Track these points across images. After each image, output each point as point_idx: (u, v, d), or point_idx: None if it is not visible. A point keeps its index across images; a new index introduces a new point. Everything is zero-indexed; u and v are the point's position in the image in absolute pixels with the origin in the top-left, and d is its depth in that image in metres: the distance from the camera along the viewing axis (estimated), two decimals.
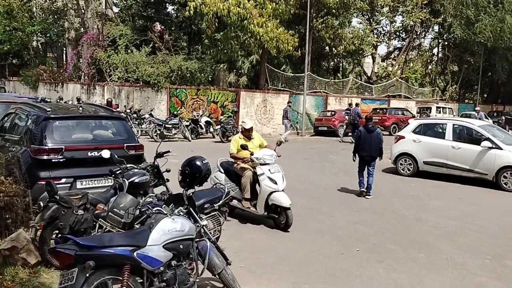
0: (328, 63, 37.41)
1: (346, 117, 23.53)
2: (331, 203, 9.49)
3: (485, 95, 43.94)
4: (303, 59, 27.13)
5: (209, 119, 22.46)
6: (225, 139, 20.42)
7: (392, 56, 42.85)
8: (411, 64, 43.08)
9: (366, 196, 10.04)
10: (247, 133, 7.96)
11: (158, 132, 19.50)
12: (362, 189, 10.21)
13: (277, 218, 7.36)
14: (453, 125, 12.51)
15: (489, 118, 26.32)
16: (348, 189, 10.86)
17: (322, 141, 22.92)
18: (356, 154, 10.35)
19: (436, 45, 42.10)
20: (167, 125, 20.09)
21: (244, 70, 28.21)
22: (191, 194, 4.57)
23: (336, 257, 6.27)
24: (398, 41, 42.40)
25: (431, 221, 8.35)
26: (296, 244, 6.77)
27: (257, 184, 7.62)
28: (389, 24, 40.09)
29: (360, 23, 37.59)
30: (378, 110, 28.67)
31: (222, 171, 7.88)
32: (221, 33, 24.04)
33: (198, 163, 4.51)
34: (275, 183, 7.23)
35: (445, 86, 41.73)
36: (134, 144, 7.30)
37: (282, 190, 7.31)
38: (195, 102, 24.60)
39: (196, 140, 20.68)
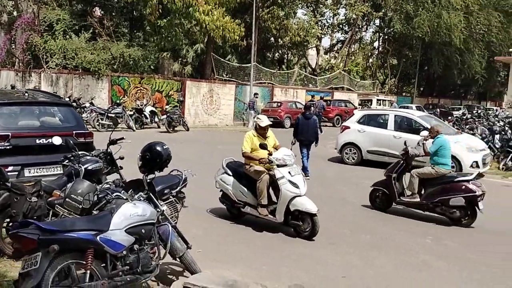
0: (273, 54, 37.78)
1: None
2: None
3: (422, 88, 46.15)
4: (249, 49, 27.21)
5: (154, 109, 22.05)
6: (171, 129, 20.19)
7: (335, 48, 43.96)
8: (353, 57, 44.40)
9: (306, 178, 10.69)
10: (262, 131, 7.12)
11: (100, 121, 18.93)
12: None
13: (300, 225, 6.55)
14: (395, 115, 13.15)
15: (424, 110, 27.70)
16: None
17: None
18: (295, 139, 11.19)
19: (376, 39, 43.67)
20: (109, 114, 19.51)
21: (188, 59, 27.87)
22: (151, 179, 4.54)
23: (291, 241, 6.47)
24: (341, 34, 43.62)
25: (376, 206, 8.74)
26: (252, 230, 6.89)
27: (271, 188, 6.85)
28: (332, 17, 41.07)
29: (305, 14, 38.24)
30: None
31: (230, 173, 7.10)
32: (165, 20, 23.54)
33: (158, 148, 4.47)
34: (297, 187, 6.45)
35: (385, 79, 43.42)
36: (83, 131, 7.07)
37: (304, 195, 6.57)
38: (139, 91, 24.01)
39: (141, 130, 20.24)
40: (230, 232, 6.76)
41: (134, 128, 19.81)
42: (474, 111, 28.73)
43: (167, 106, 22.65)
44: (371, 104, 29.90)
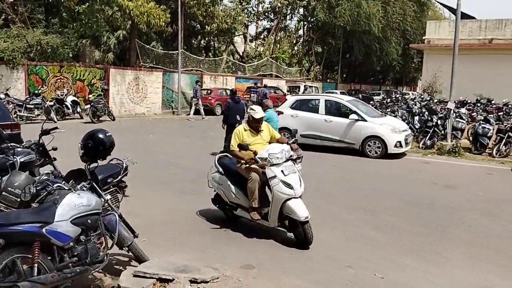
0: (199, 41, 37.37)
1: (254, 95, 25.01)
2: None
3: (345, 75, 48.01)
4: (174, 36, 26.71)
5: (75, 99, 21.05)
6: (96, 119, 19.41)
7: (262, 36, 44.39)
8: (280, 45, 45.11)
9: None
10: (256, 124, 6.29)
11: (18, 113, 17.80)
12: None
13: (295, 231, 5.80)
14: (325, 100, 13.60)
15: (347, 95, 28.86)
16: None
17: (199, 119, 22.95)
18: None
19: (301, 27, 44.63)
20: (28, 105, 18.41)
21: (111, 46, 26.84)
22: (93, 168, 4.39)
23: (233, 224, 6.50)
24: (267, 22, 44.09)
25: (313, 186, 9.01)
26: (195, 215, 6.88)
27: (266, 187, 6.05)
28: (257, 5, 41.34)
29: (231, 1, 38.10)
30: (252, 89, 29.57)
31: (222, 171, 6.39)
32: (84, 6, 22.38)
33: (101, 136, 4.32)
34: (291, 187, 5.67)
35: (310, 66, 44.60)
36: (9, 122, 6.64)
37: (300, 197, 5.79)
38: (59, 80, 22.71)
39: (63, 121, 19.23)
40: (171, 220, 6.68)
41: (55, 119, 18.76)
42: (393, 96, 30.36)
43: (90, 95, 21.62)
44: (299, 91, 30.61)
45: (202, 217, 6.81)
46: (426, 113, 16.38)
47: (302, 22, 43.70)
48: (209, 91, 26.60)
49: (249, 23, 40.89)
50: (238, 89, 29.06)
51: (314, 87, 33.00)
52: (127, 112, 24.54)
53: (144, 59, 27.01)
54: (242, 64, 36.24)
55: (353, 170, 11.00)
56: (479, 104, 22.29)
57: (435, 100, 22.83)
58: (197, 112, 23.41)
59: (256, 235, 6.08)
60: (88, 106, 19.59)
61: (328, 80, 45.35)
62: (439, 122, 15.03)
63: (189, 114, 23.56)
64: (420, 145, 14.66)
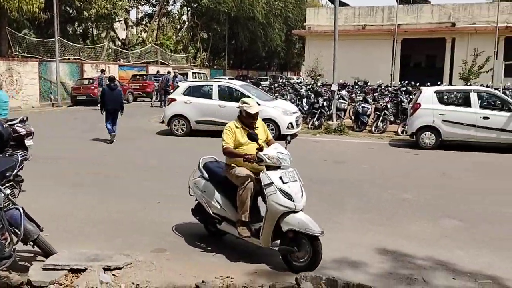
0: (75, 28, 35.10)
1: (156, 83, 25.05)
2: (117, 164, 9.75)
3: (231, 61, 48.64)
4: (49, 23, 24.79)
5: None
6: None
7: (144, 22, 43.04)
8: (164, 31, 44.20)
9: (111, 141, 12.25)
10: (250, 121, 5.10)
11: None
12: (112, 136, 12.36)
13: (293, 252, 4.63)
14: (218, 86, 13.73)
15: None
16: (130, 151, 11.01)
17: (83, 110, 21.70)
18: (103, 109, 12.47)
19: (185, 13, 44.10)
20: None
21: None
22: None
23: (141, 211, 6.43)
24: (149, 7, 42.82)
25: None
26: (95, 205, 6.70)
27: (260, 198, 5.02)
28: None
29: None
30: (138, 77, 28.69)
31: (207, 176, 5.32)
32: None
33: None
34: (290, 198, 4.55)
35: (196, 53, 44.40)
36: None
37: (301, 210, 4.67)
38: None
39: None
40: (67, 213, 6.37)
41: None
42: (279, 81, 31.53)
43: None
44: (187, 78, 30.35)
45: (98, 207, 6.63)
46: (313, 95, 17.37)
47: (185, 8, 43.20)
48: (91, 81, 25.15)
49: (130, 8, 39.40)
50: (122, 77, 28.23)
51: (203, 73, 32.99)
52: None
53: (16, 48, 24.71)
54: (124, 51, 34.90)
55: None
56: (356, 86, 24.08)
57: (319, 84, 24.19)
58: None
59: (163, 220, 6.01)
60: None
61: (216, 67, 45.62)
62: (324, 103, 16.04)
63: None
64: (309, 126, 15.54)
